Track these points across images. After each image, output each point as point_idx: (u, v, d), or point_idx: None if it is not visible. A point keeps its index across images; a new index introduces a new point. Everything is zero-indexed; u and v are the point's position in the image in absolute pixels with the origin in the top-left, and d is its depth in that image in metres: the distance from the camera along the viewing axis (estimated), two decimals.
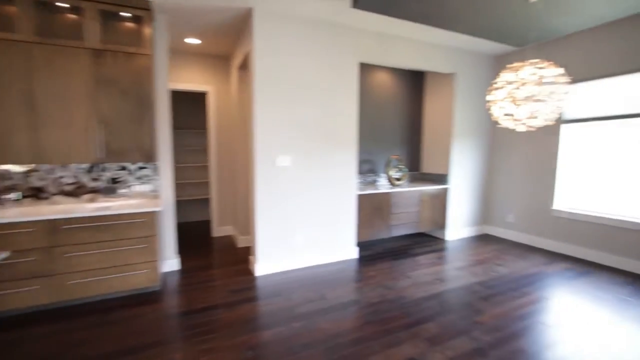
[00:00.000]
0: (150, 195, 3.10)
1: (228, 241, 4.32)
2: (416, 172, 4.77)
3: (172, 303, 2.57)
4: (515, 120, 2.26)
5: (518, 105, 2.20)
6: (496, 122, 2.33)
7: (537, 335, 2.12)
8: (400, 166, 4.21)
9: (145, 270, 2.66)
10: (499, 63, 4.40)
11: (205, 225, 5.20)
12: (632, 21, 3.08)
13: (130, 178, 3.03)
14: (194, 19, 3.13)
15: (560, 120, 3.72)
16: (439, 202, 4.26)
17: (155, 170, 3.12)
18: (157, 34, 3.04)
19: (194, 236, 4.56)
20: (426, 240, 4.32)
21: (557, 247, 3.81)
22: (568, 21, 2.71)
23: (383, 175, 4.48)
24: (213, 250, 3.97)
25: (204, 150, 5.48)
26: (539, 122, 2.23)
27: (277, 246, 3.23)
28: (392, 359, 1.88)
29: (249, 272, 3.22)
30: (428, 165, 4.66)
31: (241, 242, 4.09)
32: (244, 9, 2.93)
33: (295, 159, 3.24)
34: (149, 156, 2.83)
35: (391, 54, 3.62)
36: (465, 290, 2.80)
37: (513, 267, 3.34)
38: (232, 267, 3.37)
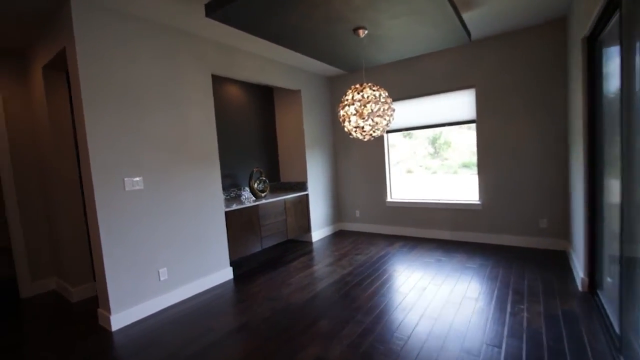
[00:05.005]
0: None
1: (52, 299, 3.24)
2: (276, 182, 4.97)
3: None
4: (363, 132, 2.74)
5: (364, 119, 2.68)
6: (349, 134, 2.74)
7: (399, 303, 2.62)
8: (262, 178, 4.29)
9: None
10: (332, 83, 5.18)
11: (8, 284, 3.71)
12: (418, 60, 4.31)
13: None
14: None
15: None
16: (302, 208, 4.60)
17: None
18: None
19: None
20: (295, 246, 4.56)
21: (393, 230, 4.81)
22: (383, 55, 3.53)
23: (246, 188, 4.44)
24: (30, 316, 2.89)
25: None
26: (378, 133, 2.78)
27: (136, 288, 2.69)
28: None
29: (100, 330, 2.53)
30: (286, 175, 4.95)
31: (77, 295, 3.15)
32: None
33: (149, 179, 2.80)
34: None
35: (240, 68, 3.65)
36: (340, 282, 3.14)
37: (368, 253, 3.99)
38: (71, 330, 2.56)
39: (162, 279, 2.87)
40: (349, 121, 2.75)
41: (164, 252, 2.88)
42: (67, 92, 3.18)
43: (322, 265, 3.67)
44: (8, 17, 2.54)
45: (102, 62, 2.50)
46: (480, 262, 3.39)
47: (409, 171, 5.09)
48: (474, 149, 4.12)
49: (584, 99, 2.50)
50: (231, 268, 3.51)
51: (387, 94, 2.79)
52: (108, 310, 2.54)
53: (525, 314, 2.31)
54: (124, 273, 2.61)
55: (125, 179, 2.63)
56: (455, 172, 4.72)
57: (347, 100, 2.75)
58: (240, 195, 4.33)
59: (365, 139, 2.85)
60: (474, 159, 4.16)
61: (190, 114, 3.13)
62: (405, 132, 4.67)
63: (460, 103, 4.13)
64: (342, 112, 2.80)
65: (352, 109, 2.70)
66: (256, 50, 3.71)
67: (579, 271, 2.69)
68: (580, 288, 2.61)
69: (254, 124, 4.60)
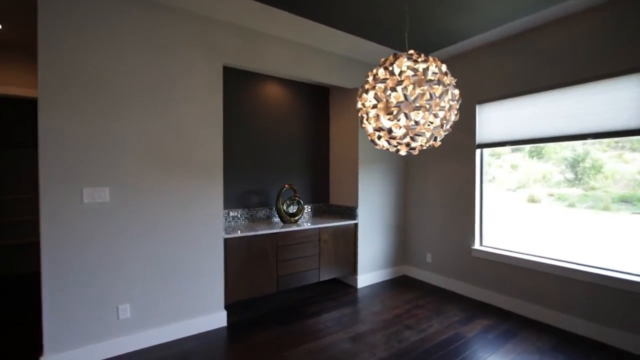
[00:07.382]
0: None
1: None
2: (323, 204, 3.98)
3: None
4: (391, 137, 1.53)
5: (393, 115, 1.48)
6: (373, 142, 1.57)
7: None
8: (296, 198, 3.38)
9: None
10: None
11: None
12: (528, 37, 2.71)
13: None
14: None
15: (474, 145, 3.23)
16: (346, 241, 3.47)
17: None
18: None
19: (19, 297, 3.20)
20: (332, 290, 3.46)
21: (480, 294, 3.17)
22: (466, 22, 2.21)
23: None
24: None
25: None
26: (423, 141, 1.52)
27: (83, 325, 2.12)
28: None
29: None
30: (336, 196, 3.91)
31: None
32: None
33: (119, 190, 2.23)
34: None
35: (265, 58, 2.84)
36: None
37: (426, 329, 2.57)
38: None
39: (121, 317, 2.25)
40: (368, 120, 1.60)
41: (129, 284, 2.27)
42: None
43: (347, 335, 2.48)
44: None
45: (69, 46, 2.07)
46: None
47: (533, 200, 3.36)
48: None
49: None
50: (225, 312, 2.69)
51: (445, 68, 1.52)
52: (41, 349, 2.04)
53: None
54: (68, 304, 2.07)
55: (85, 188, 2.13)
56: (606, 208, 2.82)
57: (368, 82, 1.61)
58: (270, 217, 3.53)
59: (402, 153, 1.62)
60: None
61: (186, 115, 2.49)
62: (534, 150, 3.00)
63: (615, 100, 2.34)
64: (359, 104, 1.66)
65: (371, 97, 1.54)
66: (287, 34, 2.87)
67: None
68: None
69: (299, 131, 3.76)
